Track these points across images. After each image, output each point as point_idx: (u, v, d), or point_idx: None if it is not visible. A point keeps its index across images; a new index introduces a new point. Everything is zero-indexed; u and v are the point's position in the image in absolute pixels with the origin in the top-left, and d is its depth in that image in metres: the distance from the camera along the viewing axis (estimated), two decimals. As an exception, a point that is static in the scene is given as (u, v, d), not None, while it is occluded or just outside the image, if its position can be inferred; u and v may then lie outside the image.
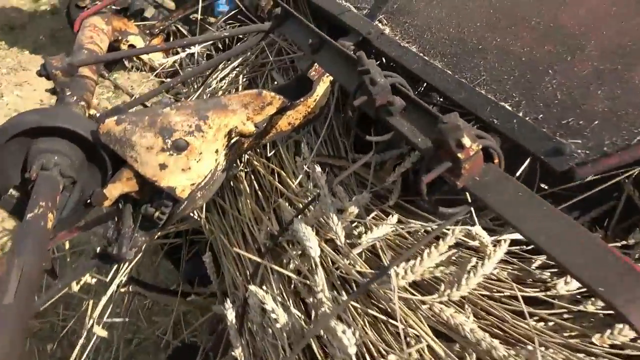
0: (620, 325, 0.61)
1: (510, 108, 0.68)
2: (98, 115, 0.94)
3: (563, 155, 0.58)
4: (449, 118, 0.56)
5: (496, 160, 0.59)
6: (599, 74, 0.65)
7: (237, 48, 1.23)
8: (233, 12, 1.74)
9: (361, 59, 0.74)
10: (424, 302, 0.70)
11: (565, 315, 0.73)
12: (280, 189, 1.00)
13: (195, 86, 1.48)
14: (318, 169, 0.82)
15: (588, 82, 0.64)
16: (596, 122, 0.60)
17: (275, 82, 1.42)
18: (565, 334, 0.68)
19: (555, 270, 0.81)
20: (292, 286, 0.85)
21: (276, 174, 1.08)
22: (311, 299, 0.78)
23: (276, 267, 0.79)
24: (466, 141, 0.56)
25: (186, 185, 0.94)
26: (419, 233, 0.86)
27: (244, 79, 1.45)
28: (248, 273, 0.91)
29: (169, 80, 1.45)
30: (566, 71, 0.67)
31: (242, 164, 1.15)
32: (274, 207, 0.98)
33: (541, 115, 0.65)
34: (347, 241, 0.79)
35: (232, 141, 1.00)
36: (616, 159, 0.54)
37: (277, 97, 1.01)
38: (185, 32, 2.03)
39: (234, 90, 1.38)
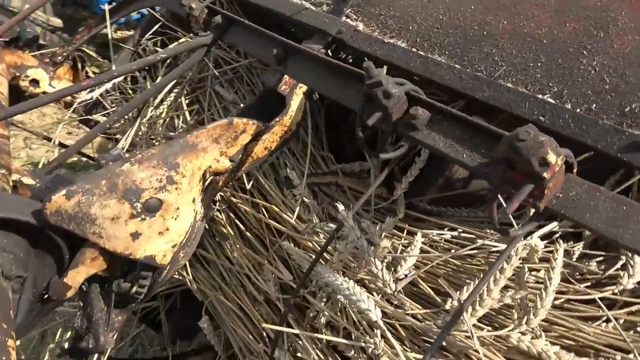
0: None
1: (553, 101, 0.59)
2: (36, 185, 0.73)
3: (644, 149, 0.50)
4: (527, 134, 0.46)
5: (575, 170, 0.50)
6: (644, 48, 0.58)
7: (176, 70, 1.05)
8: (147, 22, 1.52)
9: (370, 70, 0.62)
10: (499, 336, 0.61)
11: (634, 308, 0.67)
12: (275, 227, 0.86)
13: (130, 118, 1.27)
14: (341, 207, 0.69)
15: (637, 58, 0.57)
16: (666, 105, 0.53)
17: (225, 98, 1.26)
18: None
19: (601, 257, 0.75)
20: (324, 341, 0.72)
21: (262, 209, 0.93)
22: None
23: (308, 334, 0.66)
24: (552, 158, 0.46)
25: (167, 250, 0.77)
26: (455, 251, 0.77)
27: (186, 100, 1.27)
28: (265, 335, 0.77)
29: (99, 118, 1.23)
30: (605, 50, 0.60)
31: (217, 204, 0.98)
32: (274, 250, 0.84)
33: (595, 105, 0.57)
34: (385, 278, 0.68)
35: (207, 183, 0.84)
36: None
37: (250, 123, 0.86)
38: (94, 55, 1.77)
39: (181, 117, 1.19)
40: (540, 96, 0.61)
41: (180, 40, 1.31)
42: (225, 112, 1.23)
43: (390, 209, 0.97)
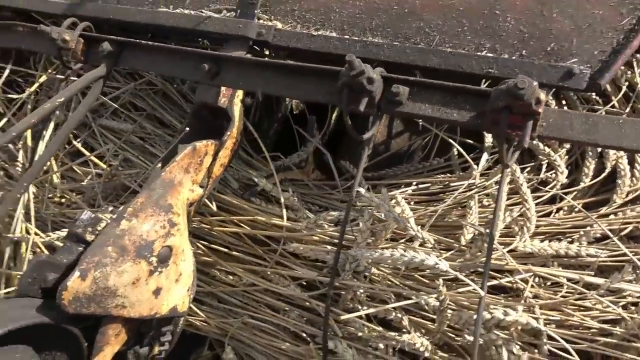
0: None
1: (492, 54, 0.74)
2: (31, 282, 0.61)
3: (576, 75, 0.68)
4: (524, 83, 0.58)
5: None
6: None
7: (76, 114, 0.92)
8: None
9: (353, 62, 0.67)
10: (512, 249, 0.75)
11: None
12: (269, 235, 0.87)
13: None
14: (361, 189, 0.74)
15: (538, 9, 0.74)
16: (574, 39, 0.71)
17: (124, 130, 1.15)
18: None
19: (528, 167, 0.95)
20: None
21: (243, 224, 0.92)
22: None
23: (357, 314, 0.71)
24: (542, 96, 0.60)
25: (184, 295, 0.73)
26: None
27: (79, 142, 1.12)
28: (305, 335, 0.79)
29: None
30: (511, 7, 0.76)
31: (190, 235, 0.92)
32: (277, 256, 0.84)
33: (524, 51, 0.73)
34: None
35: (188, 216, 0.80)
36: (620, 61, 0.67)
37: (209, 144, 0.84)
38: None
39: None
40: (480, 53, 0.75)
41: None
42: (131, 146, 1.13)
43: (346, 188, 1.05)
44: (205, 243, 0.91)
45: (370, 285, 0.76)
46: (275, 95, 1.15)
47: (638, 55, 0.93)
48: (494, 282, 0.72)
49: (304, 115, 1.23)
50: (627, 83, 0.92)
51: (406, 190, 0.97)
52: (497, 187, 0.83)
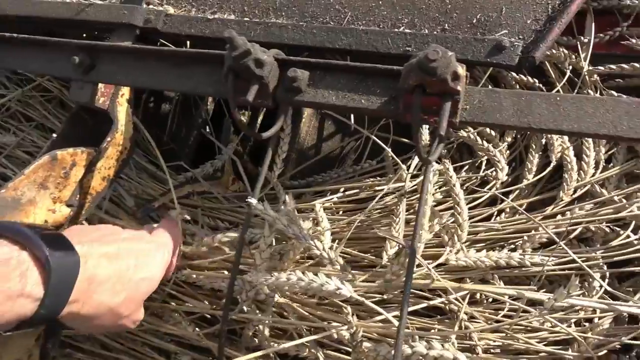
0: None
1: (410, 30, 0.62)
2: None
3: (506, 49, 0.56)
4: (436, 53, 0.45)
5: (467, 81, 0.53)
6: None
7: None
8: None
9: (234, 40, 0.54)
10: (441, 263, 0.62)
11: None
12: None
13: None
14: (252, 200, 0.60)
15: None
16: (503, 8, 0.60)
17: (5, 144, 0.98)
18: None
19: (466, 166, 0.84)
20: None
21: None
22: None
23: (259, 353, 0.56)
24: (460, 70, 0.47)
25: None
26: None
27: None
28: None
29: None
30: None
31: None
32: (168, 292, 0.69)
33: (447, 25, 0.61)
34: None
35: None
36: (557, 30, 0.55)
37: (78, 152, 0.68)
38: None
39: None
40: (397, 30, 0.63)
41: None
42: (15, 162, 0.96)
43: (267, 198, 0.91)
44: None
45: (276, 317, 0.61)
46: (161, 90, 1.00)
47: (582, 38, 0.84)
48: (423, 304, 0.59)
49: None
50: (570, 67, 0.82)
51: (332, 198, 0.83)
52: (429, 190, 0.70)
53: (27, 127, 1.03)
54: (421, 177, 0.78)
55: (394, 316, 0.56)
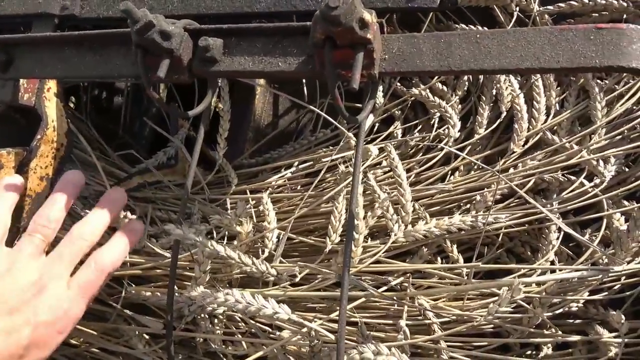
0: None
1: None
2: None
3: (427, -9, 0.53)
4: (336, 1, 0.42)
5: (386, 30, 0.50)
6: None
7: None
8: None
9: (132, 12, 0.50)
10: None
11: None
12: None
13: None
14: (170, 226, 0.55)
15: None
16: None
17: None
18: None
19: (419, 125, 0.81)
20: None
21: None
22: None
23: None
24: (367, 16, 0.44)
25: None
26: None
27: None
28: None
29: None
30: None
31: None
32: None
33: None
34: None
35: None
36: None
37: (4, 153, 0.65)
38: None
39: None
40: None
41: None
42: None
43: (219, 182, 0.88)
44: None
45: (220, 336, 0.58)
46: (81, 80, 0.95)
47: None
48: (360, 300, 0.55)
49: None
50: (517, 8, 0.78)
51: (285, 174, 0.81)
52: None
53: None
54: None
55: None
